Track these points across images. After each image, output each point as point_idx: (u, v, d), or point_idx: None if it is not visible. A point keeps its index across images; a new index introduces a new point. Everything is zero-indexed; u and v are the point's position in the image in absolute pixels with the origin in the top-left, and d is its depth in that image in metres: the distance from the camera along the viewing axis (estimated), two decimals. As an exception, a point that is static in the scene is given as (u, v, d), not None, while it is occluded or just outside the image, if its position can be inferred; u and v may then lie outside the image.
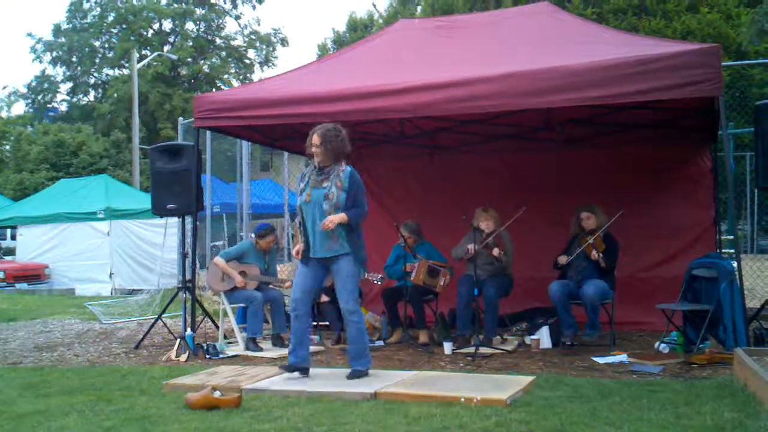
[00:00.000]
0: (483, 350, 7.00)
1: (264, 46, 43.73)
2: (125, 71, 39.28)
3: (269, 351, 7.58)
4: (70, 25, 41.21)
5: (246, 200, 11.73)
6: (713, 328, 6.63)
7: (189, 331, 7.58)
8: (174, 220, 9.86)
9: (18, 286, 16.68)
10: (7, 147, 35.45)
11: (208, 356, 7.31)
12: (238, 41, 43.72)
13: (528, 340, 7.56)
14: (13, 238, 20.90)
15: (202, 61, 41.71)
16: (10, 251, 20.15)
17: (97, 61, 41.76)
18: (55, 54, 41.29)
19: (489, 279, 7.53)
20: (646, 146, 8.79)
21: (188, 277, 8.07)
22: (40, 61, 41.63)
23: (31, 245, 17.68)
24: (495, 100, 6.66)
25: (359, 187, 5.92)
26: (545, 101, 6.62)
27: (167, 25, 42.44)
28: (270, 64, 43.83)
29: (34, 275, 17.10)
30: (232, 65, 43.52)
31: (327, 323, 8.25)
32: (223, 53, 43.40)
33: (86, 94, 43.38)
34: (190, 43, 40.92)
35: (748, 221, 15.90)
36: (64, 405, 5.21)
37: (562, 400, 4.95)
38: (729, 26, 19.99)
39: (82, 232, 16.94)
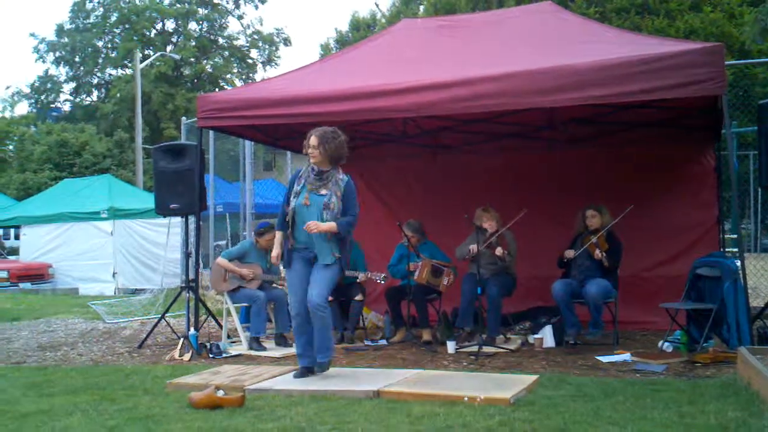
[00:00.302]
0: (486, 349, 7.00)
1: (267, 46, 43.75)
2: (128, 71, 39.31)
3: (272, 350, 7.58)
4: (73, 25, 41.27)
5: (249, 200, 11.74)
6: (717, 327, 6.62)
7: (192, 330, 7.60)
8: (177, 220, 9.86)
9: (22, 285, 16.72)
10: (11, 147, 35.53)
11: (211, 355, 7.31)
12: (241, 41, 43.78)
13: (531, 339, 7.56)
14: (17, 237, 20.96)
15: (205, 61, 41.73)
16: (14, 251, 20.21)
17: (100, 61, 41.82)
18: (58, 54, 41.36)
19: (492, 278, 7.53)
20: (650, 145, 8.78)
21: (191, 276, 8.08)
22: (43, 61, 41.79)
23: (35, 245, 17.72)
24: (498, 99, 6.66)
25: (353, 197, 5.94)
26: (548, 100, 6.61)
27: (170, 25, 42.50)
28: (273, 64, 43.90)
29: (37, 275, 17.13)
30: (235, 65, 43.53)
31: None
32: (226, 53, 43.42)
33: (89, 94, 43.48)
34: (193, 43, 40.95)
35: (752, 220, 15.85)
36: (68, 404, 5.21)
37: (565, 399, 4.95)
38: (732, 25, 19.94)
39: (85, 232, 16.97)
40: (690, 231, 8.65)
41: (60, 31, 41.24)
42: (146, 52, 38.70)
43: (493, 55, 7.47)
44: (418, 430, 4.30)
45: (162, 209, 8.25)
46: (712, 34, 19.11)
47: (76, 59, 41.46)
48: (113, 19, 41.05)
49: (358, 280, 7.98)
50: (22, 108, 43.95)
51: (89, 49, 40.95)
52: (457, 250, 7.83)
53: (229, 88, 38.17)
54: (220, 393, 5.06)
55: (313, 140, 5.86)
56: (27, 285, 16.74)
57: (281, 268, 8.44)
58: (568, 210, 8.09)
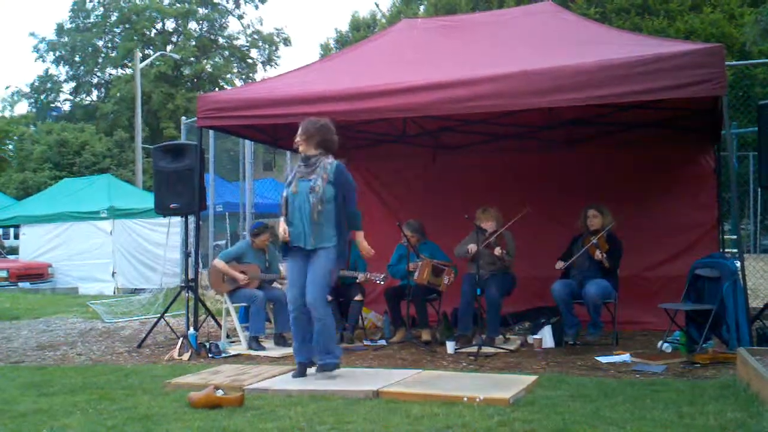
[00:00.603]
0: (485, 349, 7.00)
1: (267, 46, 43.74)
2: (128, 71, 39.32)
3: (272, 350, 7.58)
4: (73, 25, 41.28)
5: (249, 199, 11.73)
6: (716, 327, 6.62)
7: (192, 330, 7.60)
8: (177, 220, 9.85)
9: (21, 285, 16.72)
10: (11, 146, 35.51)
11: (210, 355, 7.31)
12: (241, 41, 43.78)
13: (531, 339, 7.55)
14: (17, 237, 20.96)
15: (205, 61, 41.73)
16: (14, 250, 20.21)
17: (100, 60, 41.82)
18: (58, 53, 41.37)
19: (491, 278, 7.53)
20: (649, 146, 8.77)
21: (191, 276, 8.08)
22: (43, 61, 41.80)
23: (34, 244, 17.72)
24: (498, 99, 6.66)
25: (349, 185, 5.87)
26: (548, 101, 6.62)
27: (170, 24, 42.49)
28: (273, 64, 43.90)
29: (37, 274, 17.13)
30: (235, 65, 43.53)
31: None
32: (226, 53, 43.42)
33: (89, 93, 43.48)
34: (193, 43, 40.96)
35: (752, 221, 15.85)
36: (67, 404, 5.21)
37: (564, 399, 4.94)
38: (732, 26, 19.94)
39: (85, 232, 16.97)
40: (690, 231, 8.64)
41: (60, 30, 41.25)
42: (146, 51, 38.70)
43: (493, 56, 7.47)
44: (418, 430, 4.29)
45: (162, 209, 8.25)
46: (712, 34, 19.09)
47: (76, 59, 41.47)
48: (113, 18, 41.06)
49: (357, 281, 7.98)
50: (22, 107, 43.99)
51: (89, 48, 40.96)
52: (456, 248, 7.83)
53: (229, 87, 38.15)
54: (220, 393, 5.05)
55: (299, 130, 5.91)
56: (26, 284, 16.73)
57: (281, 267, 8.47)
58: (567, 210, 8.10)
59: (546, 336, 7.42)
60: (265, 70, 43.69)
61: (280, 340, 7.81)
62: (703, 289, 7.05)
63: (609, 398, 4.94)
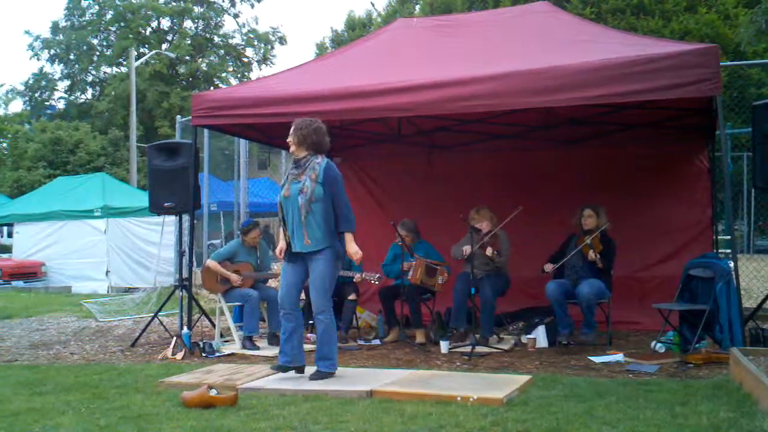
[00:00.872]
0: (479, 349, 7.00)
1: (262, 45, 43.67)
2: (123, 69, 39.23)
3: (266, 349, 7.57)
4: (68, 23, 41.16)
5: (243, 198, 11.72)
6: (709, 327, 6.63)
7: (185, 329, 7.58)
8: (171, 218, 9.85)
9: (14, 283, 16.67)
10: (4, 145, 35.41)
11: (204, 354, 7.30)
12: (237, 39, 43.68)
13: (524, 339, 7.56)
14: (10, 235, 20.89)
15: (200, 60, 41.66)
16: (7, 249, 20.14)
17: (95, 59, 41.72)
18: (52, 52, 41.23)
19: (485, 278, 7.52)
20: (644, 146, 8.79)
21: (185, 275, 8.06)
22: (38, 59, 41.65)
23: (28, 243, 17.65)
24: (493, 99, 6.66)
25: (337, 183, 5.77)
26: (543, 101, 6.62)
27: (165, 23, 42.37)
28: (268, 63, 43.81)
29: (30, 273, 17.08)
30: (230, 64, 43.47)
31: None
32: (221, 51, 43.33)
33: (84, 92, 43.34)
34: (188, 42, 40.84)
35: (745, 221, 15.91)
36: (60, 403, 5.19)
37: (558, 399, 4.95)
38: (727, 26, 19.99)
39: (79, 230, 16.91)
40: (684, 232, 8.67)
41: (55, 28, 41.12)
42: (141, 50, 38.61)
43: (489, 55, 7.46)
44: (411, 429, 4.29)
45: (156, 207, 8.24)
46: (707, 35, 19.15)
47: (71, 57, 41.35)
48: (108, 17, 40.94)
49: (353, 280, 7.97)
50: (17, 105, 43.99)
51: (84, 46, 40.85)
52: (453, 249, 7.83)
53: (224, 86, 38.08)
54: (213, 392, 5.05)
55: (290, 131, 5.87)
56: (20, 283, 16.68)
57: (273, 265, 8.47)
58: (562, 210, 8.10)
59: (540, 336, 7.43)
60: (260, 69, 43.68)
61: (274, 340, 7.79)
62: (697, 289, 7.06)
63: (602, 398, 4.94)
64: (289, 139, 5.87)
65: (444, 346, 7.22)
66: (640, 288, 8.47)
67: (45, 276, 17.17)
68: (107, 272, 16.63)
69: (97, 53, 41.80)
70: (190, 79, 41.46)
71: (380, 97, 6.94)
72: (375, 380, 5.56)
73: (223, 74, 42.26)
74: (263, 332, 8.10)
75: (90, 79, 43.03)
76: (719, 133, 6.60)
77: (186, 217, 8.34)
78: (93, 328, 9.79)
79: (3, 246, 21.27)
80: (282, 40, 43.95)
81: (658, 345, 6.92)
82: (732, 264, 6.47)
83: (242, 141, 11.45)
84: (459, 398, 4.91)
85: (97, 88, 42.75)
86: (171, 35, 42.47)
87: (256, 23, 45.89)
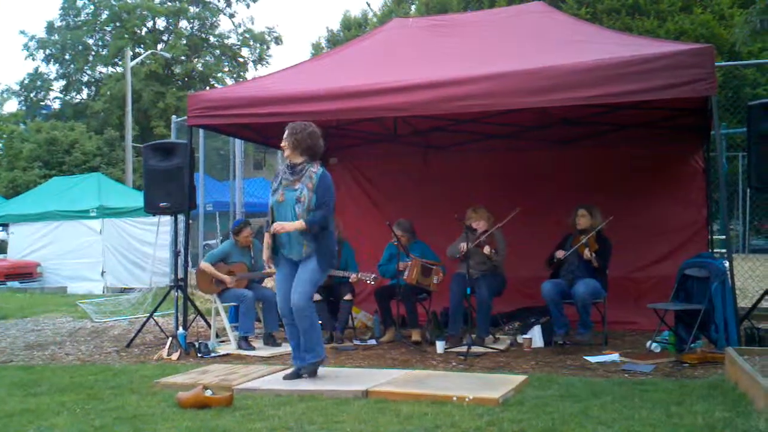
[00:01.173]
0: (475, 349, 7.00)
1: (258, 45, 43.60)
2: (119, 69, 39.13)
3: (261, 350, 7.56)
4: (64, 23, 41.06)
5: (239, 198, 11.70)
6: (705, 327, 6.64)
7: (181, 329, 7.57)
8: (167, 219, 9.81)
9: (9, 284, 16.61)
10: (0, 145, 35.30)
11: (199, 355, 7.29)
12: (232, 39, 43.61)
13: (520, 339, 7.56)
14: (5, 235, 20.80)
15: (196, 60, 41.60)
16: (2, 249, 20.07)
17: (91, 58, 41.61)
18: (48, 52, 41.13)
19: (482, 278, 7.52)
20: (640, 146, 8.80)
21: (180, 275, 8.05)
22: (33, 59, 41.50)
23: (23, 243, 17.62)
24: (488, 99, 6.66)
25: (327, 190, 5.74)
26: (539, 101, 6.62)
27: (161, 23, 42.31)
28: (264, 63, 43.77)
29: (25, 273, 17.04)
30: (226, 64, 43.40)
31: (320, 322, 8.22)
32: (217, 52, 43.27)
33: (79, 92, 43.24)
34: (184, 42, 40.78)
35: (741, 221, 15.94)
36: (55, 404, 5.18)
37: (554, 399, 4.95)
38: (722, 27, 20.04)
39: (74, 230, 16.88)
40: (679, 232, 8.67)
41: (50, 28, 41.02)
42: (137, 50, 38.53)
43: (485, 55, 7.46)
44: (407, 429, 4.29)
45: (151, 208, 8.23)
46: (702, 35, 19.19)
47: (67, 57, 41.25)
48: (104, 16, 40.85)
49: (349, 280, 7.97)
50: (12, 105, 43.71)
51: (79, 46, 40.76)
52: (449, 249, 7.83)
53: (219, 86, 38.03)
54: (208, 392, 5.04)
55: (284, 135, 5.85)
56: (15, 284, 16.63)
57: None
58: (558, 210, 8.10)
59: (536, 336, 7.43)
60: (256, 69, 43.62)
61: (270, 340, 7.80)
62: (692, 289, 7.07)
63: (598, 398, 4.94)
64: (283, 144, 5.85)
65: (440, 346, 7.22)
66: (636, 288, 8.48)
67: (40, 276, 17.13)
68: (103, 273, 16.61)
69: (93, 53, 41.71)
70: (186, 79, 41.40)
71: (376, 97, 6.94)
72: (371, 380, 5.56)
73: (219, 74, 42.21)
74: (259, 332, 8.09)
75: (85, 79, 42.95)
76: (714, 133, 6.62)
77: (181, 218, 8.32)
78: (88, 329, 9.77)
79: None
80: (278, 40, 43.93)
81: (654, 345, 6.93)
82: (727, 264, 6.48)
83: (238, 141, 11.43)
84: (455, 398, 4.90)
85: (93, 88, 42.65)
86: (166, 35, 42.41)
87: (252, 23, 45.86)
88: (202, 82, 40.82)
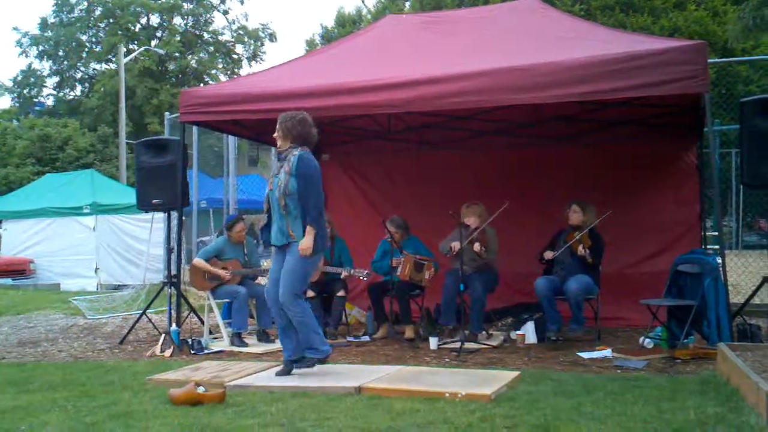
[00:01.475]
0: (468, 345, 7.01)
1: (252, 42, 43.53)
2: (112, 66, 39.00)
3: (254, 346, 7.56)
4: (57, 19, 40.89)
5: (232, 195, 11.69)
6: (697, 323, 6.66)
7: (174, 326, 7.56)
8: (160, 215, 9.79)
9: (2, 281, 16.53)
10: (-7, 141, 35.14)
11: (193, 351, 7.27)
12: (226, 36, 43.52)
13: (513, 335, 7.57)
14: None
15: (190, 56, 41.49)
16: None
17: (84, 55, 41.46)
18: (41, 48, 40.95)
19: (474, 274, 7.52)
20: (633, 143, 8.81)
21: (174, 272, 8.03)
22: (26, 56, 41.29)
23: (16, 240, 17.55)
24: (484, 95, 6.66)
25: (309, 176, 5.63)
26: (533, 97, 6.61)
27: (155, 19, 42.19)
28: (258, 60, 43.69)
29: (18, 270, 16.96)
30: (220, 60, 43.30)
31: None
32: (211, 48, 43.16)
33: (73, 88, 43.09)
34: (178, 38, 40.64)
35: (734, 217, 15.98)
36: (47, 401, 5.16)
37: (546, 395, 4.95)
38: (716, 23, 20.09)
39: (67, 227, 16.82)
40: (672, 228, 8.69)
41: (43, 25, 40.84)
42: (130, 46, 38.42)
43: (479, 52, 7.46)
44: (399, 426, 4.28)
45: (144, 204, 8.20)
46: (696, 32, 19.24)
47: (60, 53, 41.09)
48: (97, 13, 40.70)
49: (341, 277, 7.97)
50: (5, 102, 43.70)
51: (73, 43, 40.59)
52: (441, 244, 7.82)
53: (213, 83, 37.94)
54: (200, 389, 5.02)
55: (276, 125, 5.85)
56: (8, 281, 16.55)
57: (263, 262, 8.44)
58: (551, 207, 8.11)
59: (529, 332, 7.44)
60: (250, 65, 43.53)
61: (263, 337, 7.79)
62: (685, 285, 7.08)
63: (590, 394, 4.95)
64: (275, 134, 5.86)
65: (433, 342, 7.23)
66: (629, 284, 8.48)
67: (33, 273, 17.06)
68: (96, 269, 16.55)
69: (86, 50, 41.55)
70: (180, 75, 41.30)
71: (369, 94, 6.93)
72: (363, 376, 5.56)
73: (213, 71, 42.10)
74: (252, 329, 8.07)
75: (79, 75, 42.81)
76: (708, 130, 6.62)
77: (174, 214, 8.30)
78: (81, 326, 9.74)
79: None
80: (272, 37, 43.84)
81: (647, 341, 6.94)
82: (720, 260, 6.49)
83: (231, 138, 11.42)
84: (447, 394, 4.90)
85: (86, 84, 42.51)
86: (160, 32, 42.28)
87: (246, 20, 45.42)
88: (196, 78, 40.73)
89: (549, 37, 7.49)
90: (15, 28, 53.15)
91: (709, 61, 6.57)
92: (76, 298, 11.88)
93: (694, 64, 6.11)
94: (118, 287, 14.92)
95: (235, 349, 7.45)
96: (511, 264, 8.22)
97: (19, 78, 41.49)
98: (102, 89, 37.93)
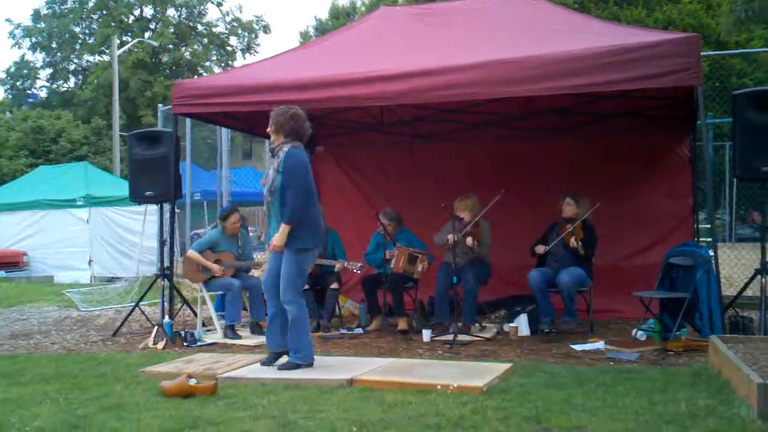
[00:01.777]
0: (461, 338, 7.01)
1: (246, 33, 43.41)
2: (106, 57, 38.86)
3: (247, 338, 7.56)
4: (50, 11, 40.68)
5: (226, 188, 11.66)
6: (690, 315, 6.68)
7: (167, 318, 7.55)
8: (154, 208, 9.77)
9: (-5, 273, 16.52)
10: (-14, 133, 35.00)
11: (186, 344, 7.27)
12: (220, 28, 43.38)
13: (506, 327, 7.58)
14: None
15: (184, 48, 41.36)
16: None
17: (78, 47, 41.28)
18: (34, 40, 40.75)
19: (467, 266, 7.51)
20: (626, 135, 8.81)
21: (167, 264, 8.02)
22: (20, 47, 41.09)
23: (10, 232, 17.48)
24: (476, 88, 6.65)
25: (293, 171, 5.56)
26: (526, 89, 6.62)
27: (148, 11, 42.01)
28: (252, 52, 43.56)
29: (12, 262, 16.92)
30: (214, 52, 43.17)
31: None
32: (205, 40, 43.03)
33: (66, 80, 42.90)
34: (172, 30, 40.49)
35: (727, 210, 16.03)
36: (38, 393, 5.15)
37: (538, 387, 4.97)
38: (709, 17, 20.10)
39: (61, 219, 16.77)
40: (665, 221, 8.70)
41: (36, 16, 40.65)
42: (124, 38, 38.27)
43: (472, 44, 7.45)
44: (390, 418, 4.28)
45: (137, 196, 8.18)
46: (690, 25, 19.25)
47: (53, 45, 40.90)
48: (90, 4, 40.51)
49: (335, 269, 7.96)
50: (-2, 94, 43.33)
51: (66, 35, 40.40)
52: (436, 237, 7.81)
53: (207, 75, 37.82)
54: (193, 381, 5.02)
55: (269, 120, 5.83)
56: (1, 273, 16.52)
57: (256, 255, 8.42)
58: (545, 199, 8.10)
59: (522, 324, 7.45)
60: (244, 57, 43.39)
61: (256, 329, 7.79)
62: (677, 277, 7.10)
63: (582, 386, 4.96)
64: (269, 129, 5.84)
65: (426, 334, 7.23)
66: (622, 277, 8.49)
67: (27, 266, 17.02)
68: (90, 262, 16.52)
69: (80, 41, 41.36)
70: (174, 67, 41.17)
71: (362, 86, 6.92)
72: (355, 369, 5.56)
73: (207, 63, 41.99)
74: (245, 321, 8.07)
75: (72, 67, 42.63)
76: (701, 122, 6.62)
77: (167, 207, 8.28)
78: (74, 318, 9.73)
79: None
80: (266, 29, 43.74)
81: (639, 333, 6.96)
82: (712, 252, 6.50)
83: (224, 130, 11.39)
84: (439, 386, 4.91)
85: (80, 76, 42.35)
86: (154, 23, 42.12)
87: (240, 12, 45.63)
88: (189, 70, 40.59)
89: (543, 30, 7.48)
90: (8, 20, 52.80)
91: (703, 53, 6.58)
92: (69, 290, 11.85)
93: (688, 57, 6.11)
94: (111, 279, 14.88)
95: (228, 341, 7.45)
96: (504, 256, 8.22)
97: (12, 70, 41.30)
98: (95, 81, 37.80)
